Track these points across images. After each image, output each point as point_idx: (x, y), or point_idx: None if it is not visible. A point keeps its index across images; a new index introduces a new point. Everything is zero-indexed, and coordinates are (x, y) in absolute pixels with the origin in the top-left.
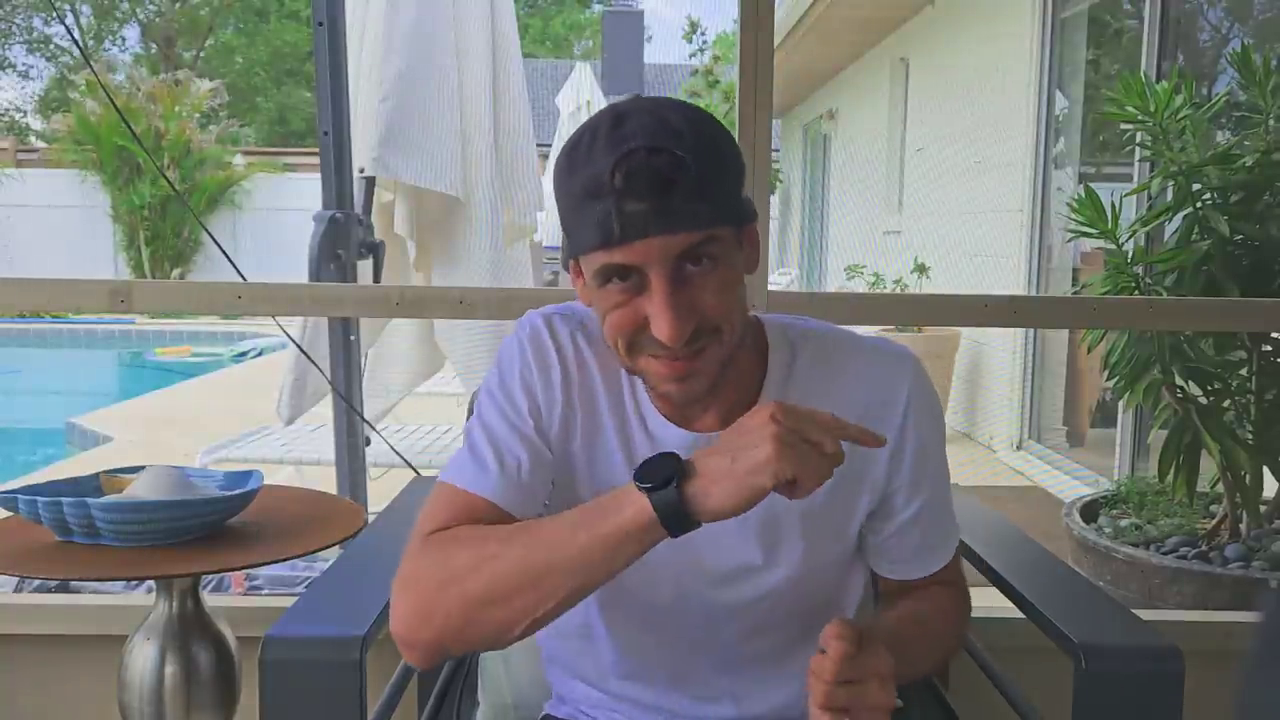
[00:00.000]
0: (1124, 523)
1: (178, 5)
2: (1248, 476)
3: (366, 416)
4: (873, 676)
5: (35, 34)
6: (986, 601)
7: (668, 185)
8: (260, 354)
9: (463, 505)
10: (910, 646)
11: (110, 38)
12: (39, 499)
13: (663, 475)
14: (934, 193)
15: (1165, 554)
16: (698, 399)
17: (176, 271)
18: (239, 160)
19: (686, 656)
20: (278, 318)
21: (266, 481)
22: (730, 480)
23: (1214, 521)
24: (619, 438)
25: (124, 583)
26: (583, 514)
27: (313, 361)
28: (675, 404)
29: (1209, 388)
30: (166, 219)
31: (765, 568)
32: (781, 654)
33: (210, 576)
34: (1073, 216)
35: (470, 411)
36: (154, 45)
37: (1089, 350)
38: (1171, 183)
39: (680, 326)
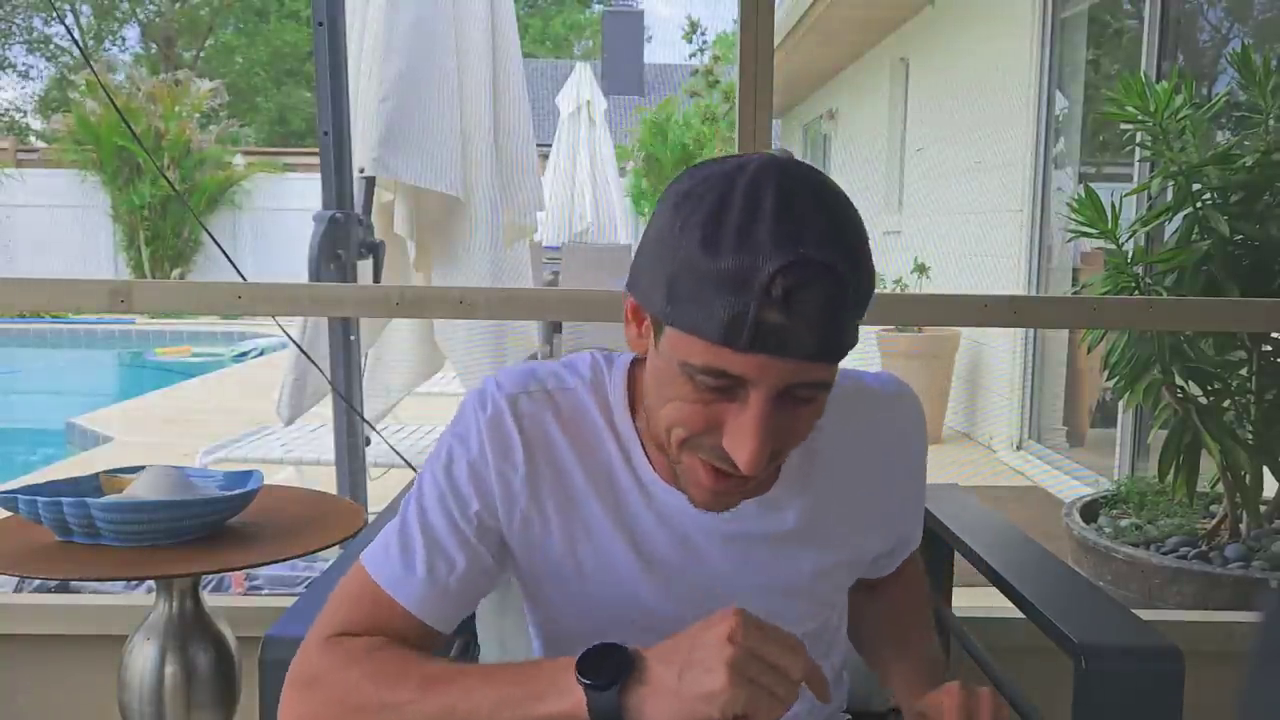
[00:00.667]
0: (1124, 523)
1: (178, 5)
2: (1248, 476)
3: (366, 416)
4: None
5: (35, 34)
6: (986, 601)
7: (825, 316)
8: (262, 354)
9: (379, 607)
10: (930, 633)
11: (110, 38)
12: (39, 499)
13: (607, 675)
14: (934, 193)
15: (1165, 554)
16: (723, 509)
17: (176, 271)
18: (239, 160)
19: None
20: (277, 318)
21: (266, 481)
22: (675, 700)
23: (1214, 521)
24: (614, 521)
25: (124, 583)
26: (510, 687)
27: (313, 361)
28: (704, 510)
29: (1209, 388)
30: (166, 219)
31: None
32: None
33: (210, 576)
34: (1073, 216)
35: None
36: (154, 45)
37: (1089, 350)
38: (1171, 183)
39: (761, 457)
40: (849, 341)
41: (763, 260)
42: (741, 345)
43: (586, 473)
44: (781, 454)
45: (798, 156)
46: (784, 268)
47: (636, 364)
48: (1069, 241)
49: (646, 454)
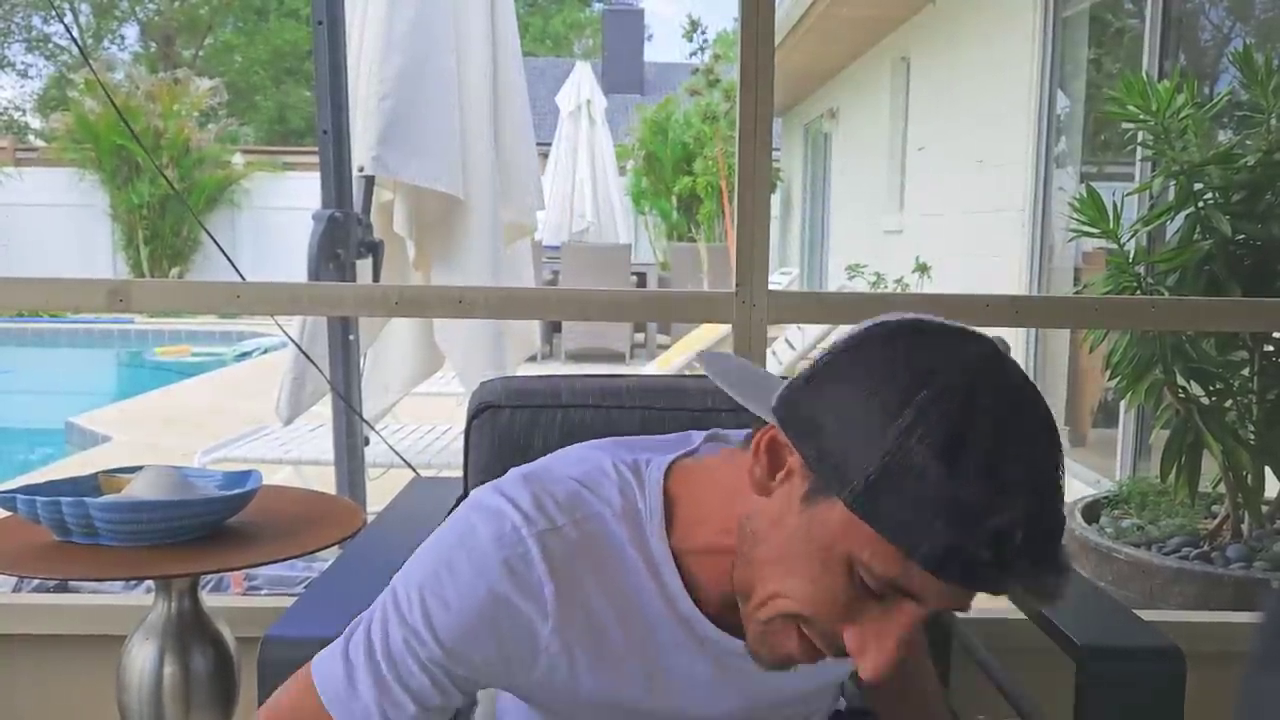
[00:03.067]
0: (1125, 523)
1: (177, 4)
2: (1249, 477)
3: (365, 416)
4: None
5: (34, 33)
6: (986, 602)
7: (1033, 576)
8: (265, 353)
9: None
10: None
11: (109, 36)
12: (38, 499)
13: None
14: (935, 192)
15: (1167, 554)
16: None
17: (175, 271)
18: (238, 159)
19: None
20: (277, 317)
21: (265, 481)
22: None
23: (1216, 522)
24: (648, 668)
25: (123, 583)
26: None
27: (312, 361)
28: (763, 668)
29: (1211, 388)
30: (165, 218)
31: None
32: None
33: (209, 577)
34: (1074, 216)
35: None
36: (153, 44)
37: (1091, 350)
38: (1173, 182)
39: (890, 670)
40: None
41: (1009, 502)
42: (949, 575)
43: (622, 620)
44: (883, 681)
45: (798, 155)
46: (1029, 516)
47: (674, 477)
48: (1070, 241)
49: (685, 584)
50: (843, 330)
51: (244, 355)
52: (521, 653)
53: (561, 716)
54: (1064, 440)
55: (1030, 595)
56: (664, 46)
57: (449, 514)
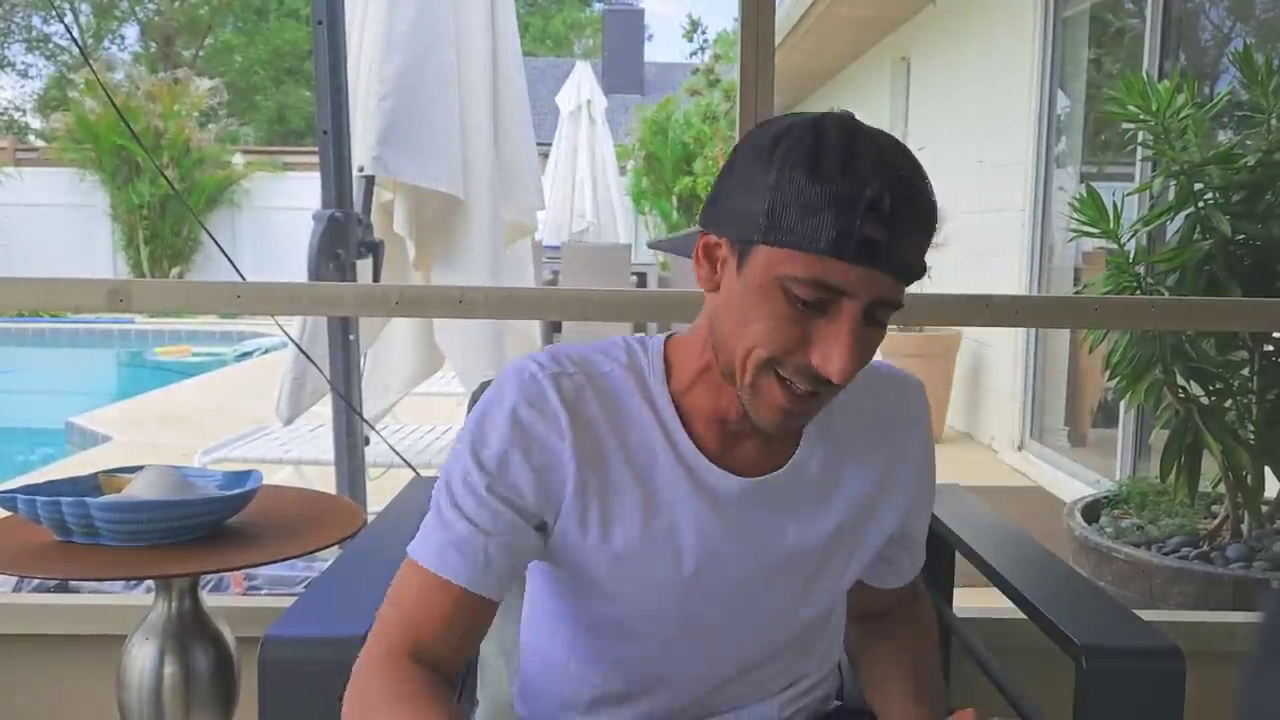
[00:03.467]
0: (1125, 523)
1: (177, 4)
2: (1249, 477)
3: (366, 416)
4: None
5: (34, 33)
6: (986, 602)
7: (920, 233)
8: (266, 353)
9: (429, 590)
10: (937, 682)
11: (109, 36)
12: (38, 499)
13: None
14: (936, 192)
15: (1166, 554)
16: (788, 434)
17: (175, 270)
18: (238, 159)
19: (679, 685)
20: (277, 317)
21: (266, 481)
22: None
23: (1215, 522)
24: (652, 501)
25: (123, 582)
26: None
27: (312, 361)
28: (770, 432)
29: (1211, 388)
30: (165, 218)
31: (799, 605)
32: (767, 682)
33: (209, 576)
34: (1074, 216)
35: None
36: (153, 44)
37: (1090, 350)
38: (1173, 182)
39: (851, 367)
40: (924, 267)
41: (868, 182)
42: (849, 257)
43: (626, 453)
44: (848, 379)
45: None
46: (889, 184)
47: (671, 342)
48: (1070, 241)
49: (688, 431)
50: None
51: (245, 355)
52: (549, 464)
53: (580, 580)
54: (1064, 440)
55: (914, 256)
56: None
57: None
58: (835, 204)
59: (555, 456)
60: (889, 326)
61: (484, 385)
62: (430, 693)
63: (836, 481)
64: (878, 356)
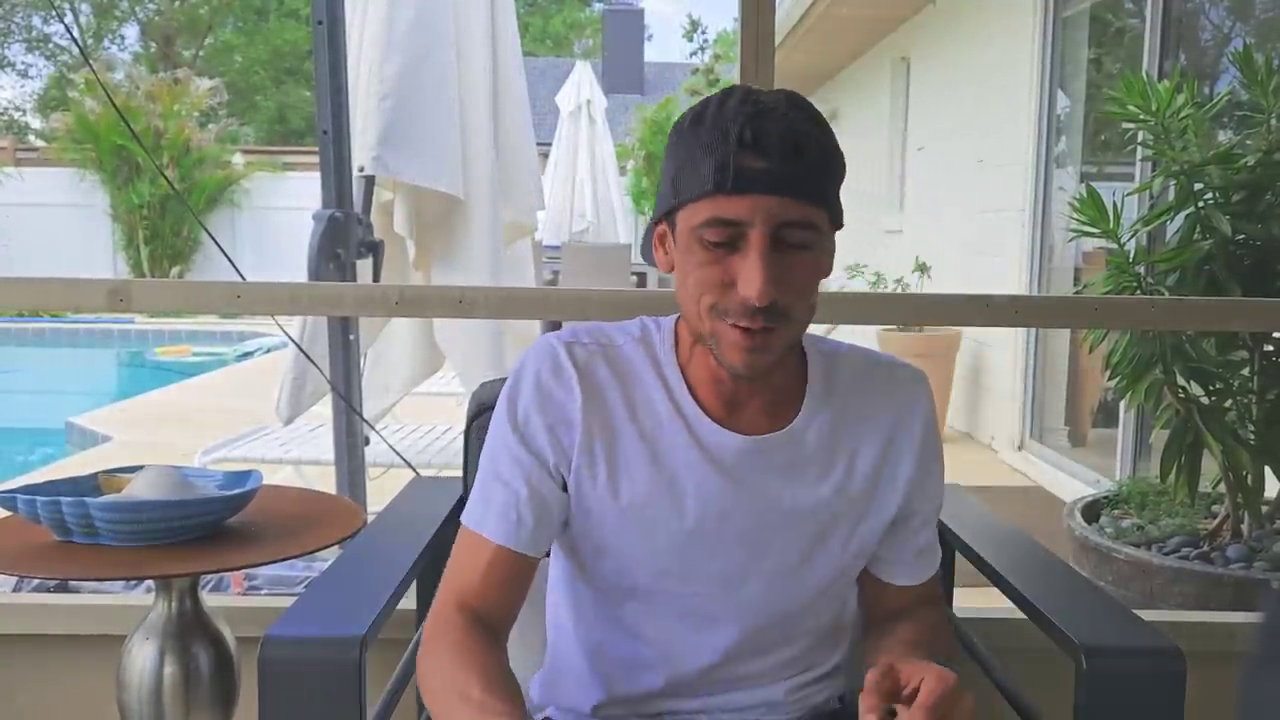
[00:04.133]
0: (1125, 523)
1: (177, 4)
2: (1249, 477)
3: (366, 416)
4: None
5: (34, 33)
6: (986, 601)
7: (794, 150)
8: (266, 352)
9: (477, 552)
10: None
11: (109, 36)
12: (38, 499)
13: None
14: (935, 192)
15: (1167, 554)
16: (763, 373)
17: (175, 270)
18: (238, 159)
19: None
20: (277, 317)
21: (266, 481)
22: None
23: (1216, 522)
24: (656, 460)
25: (123, 582)
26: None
27: (312, 361)
28: (743, 373)
29: (1211, 388)
30: (165, 218)
31: (801, 568)
32: (773, 665)
33: (209, 576)
34: (1074, 216)
35: (469, 417)
36: (153, 44)
37: (1090, 350)
38: (1173, 182)
39: (767, 288)
40: (829, 194)
41: (732, 120)
42: (729, 189)
43: (633, 412)
44: (786, 306)
45: None
46: (750, 117)
47: (681, 320)
48: (1070, 241)
49: (694, 397)
50: None
51: (246, 355)
52: (561, 419)
53: (590, 541)
54: (1064, 440)
55: (794, 174)
56: (664, 46)
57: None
58: (708, 149)
59: (566, 412)
60: (890, 327)
61: (484, 385)
62: (472, 638)
63: (834, 453)
64: (879, 353)
